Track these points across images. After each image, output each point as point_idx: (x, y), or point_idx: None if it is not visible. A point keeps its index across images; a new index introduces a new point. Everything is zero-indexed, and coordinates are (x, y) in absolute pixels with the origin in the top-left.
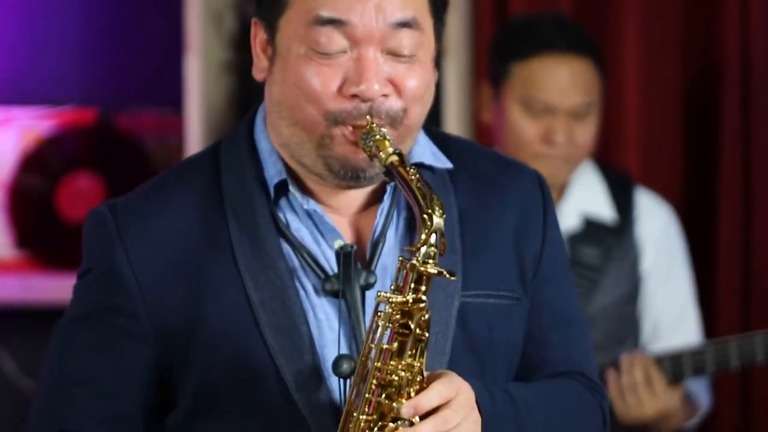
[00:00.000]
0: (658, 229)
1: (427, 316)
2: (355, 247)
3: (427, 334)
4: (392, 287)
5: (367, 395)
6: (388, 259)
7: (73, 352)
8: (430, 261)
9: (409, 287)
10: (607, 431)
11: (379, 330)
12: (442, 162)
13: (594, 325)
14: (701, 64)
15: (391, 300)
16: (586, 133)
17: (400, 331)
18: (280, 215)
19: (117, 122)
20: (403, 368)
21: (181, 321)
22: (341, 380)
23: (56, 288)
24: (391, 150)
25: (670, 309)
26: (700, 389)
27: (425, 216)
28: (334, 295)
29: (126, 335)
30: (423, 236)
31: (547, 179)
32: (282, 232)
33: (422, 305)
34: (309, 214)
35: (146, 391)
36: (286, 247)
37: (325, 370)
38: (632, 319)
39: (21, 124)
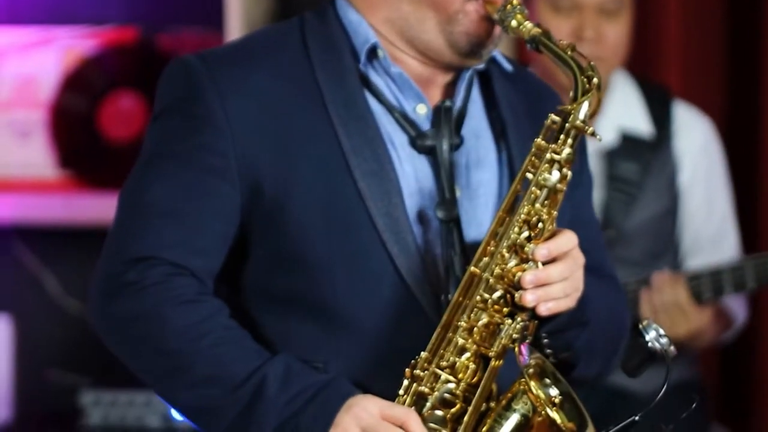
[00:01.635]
0: (696, 143)
1: (570, 173)
2: (452, 104)
3: (565, 189)
4: (542, 139)
5: (512, 233)
6: (472, 129)
7: (157, 185)
8: (588, 121)
9: (567, 143)
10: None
11: (526, 177)
12: (504, 63)
13: (632, 240)
14: None
15: (550, 149)
16: (616, 32)
17: (546, 178)
18: (367, 75)
19: (158, 41)
20: (546, 215)
21: (271, 169)
22: (443, 225)
23: (99, 208)
24: (530, 24)
25: (709, 224)
26: (735, 303)
27: (585, 78)
28: (424, 151)
29: (213, 172)
30: (585, 96)
31: None
32: (371, 90)
33: (571, 158)
34: (394, 80)
35: (228, 231)
36: (374, 105)
37: (410, 217)
38: (670, 234)
39: (63, 43)
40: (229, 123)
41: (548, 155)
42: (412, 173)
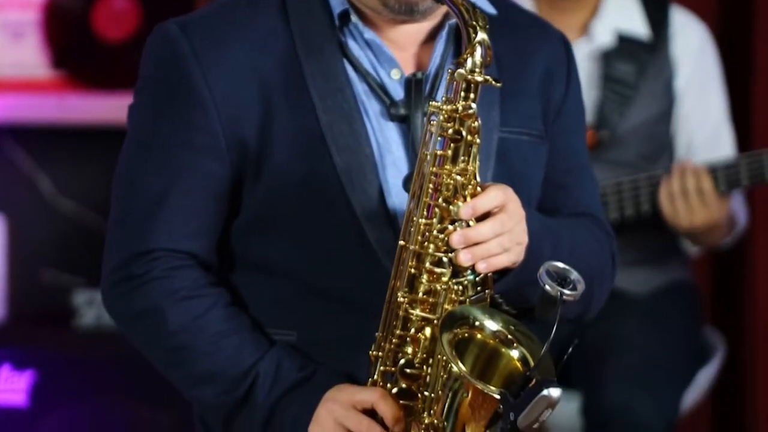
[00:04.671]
0: (693, 47)
1: (477, 123)
2: (424, 75)
3: (478, 140)
4: (443, 98)
5: (424, 199)
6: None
7: (149, 172)
8: (477, 70)
9: (459, 96)
10: (615, 273)
11: (432, 137)
12: (487, 6)
13: (626, 142)
14: None
15: (442, 108)
16: None
17: (453, 137)
18: (345, 43)
19: None
20: (458, 172)
21: (254, 138)
22: (409, 196)
23: (93, 108)
24: None
25: (704, 126)
26: (737, 207)
27: (470, 28)
28: (398, 119)
29: (202, 152)
30: (469, 47)
31: None
32: (348, 58)
33: (471, 111)
34: (369, 44)
35: (222, 206)
36: (351, 73)
37: (386, 191)
38: (665, 137)
39: None
40: (214, 99)
41: (444, 113)
42: (385, 145)
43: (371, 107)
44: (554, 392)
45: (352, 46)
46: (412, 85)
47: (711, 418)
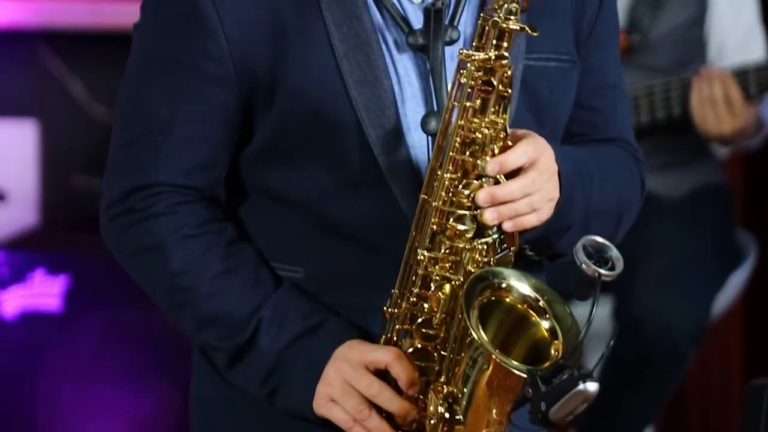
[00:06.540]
0: None
1: (509, 72)
2: (444, 3)
3: (510, 91)
4: (474, 45)
5: (450, 153)
6: (470, 19)
7: (156, 98)
8: (512, 18)
9: (491, 44)
10: (643, 198)
11: (462, 88)
12: None
13: (658, 47)
14: None
15: (473, 57)
16: None
17: (483, 88)
18: None
19: None
20: (487, 125)
21: (265, 66)
22: (428, 137)
23: (126, 13)
24: None
25: (736, 29)
26: (765, 109)
27: None
28: (417, 49)
29: (210, 79)
30: None
31: None
32: None
33: (505, 61)
34: None
35: (231, 135)
36: (369, 1)
37: (405, 126)
38: (698, 42)
39: None
40: (223, 25)
41: (475, 63)
42: (405, 76)
43: (390, 37)
44: (591, 387)
45: None
46: (431, 14)
47: (743, 321)
